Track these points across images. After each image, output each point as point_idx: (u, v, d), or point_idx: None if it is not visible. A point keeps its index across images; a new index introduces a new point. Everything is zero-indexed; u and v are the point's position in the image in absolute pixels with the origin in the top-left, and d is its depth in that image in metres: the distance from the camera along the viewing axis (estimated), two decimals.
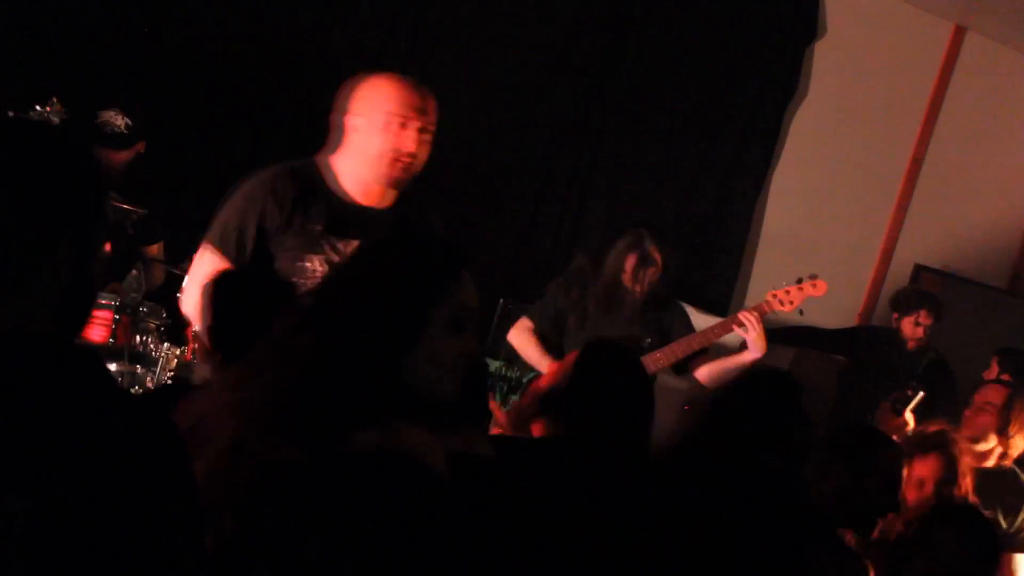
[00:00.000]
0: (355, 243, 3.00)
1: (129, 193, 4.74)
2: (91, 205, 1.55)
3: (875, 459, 3.15)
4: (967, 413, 4.11)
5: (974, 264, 6.59)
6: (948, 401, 4.91)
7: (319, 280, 2.69)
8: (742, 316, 4.33)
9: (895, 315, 5.62)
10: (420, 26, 5.59)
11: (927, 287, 6.47)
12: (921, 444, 3.42)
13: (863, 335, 6.05)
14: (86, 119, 4.49)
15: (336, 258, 3.00)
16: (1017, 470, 4.11)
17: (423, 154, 3.02)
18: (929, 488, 3.33)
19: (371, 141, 2.97)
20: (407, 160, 2.99)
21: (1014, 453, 4.15)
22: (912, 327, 5.55)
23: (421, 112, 2.97)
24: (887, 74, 6.29)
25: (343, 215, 3.02)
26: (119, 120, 4.58)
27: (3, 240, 1.47)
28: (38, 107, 4.10)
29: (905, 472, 3.30)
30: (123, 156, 4.65)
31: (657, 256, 4.39)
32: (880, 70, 6.27)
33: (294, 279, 2.90)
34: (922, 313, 5.57)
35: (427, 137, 3.01)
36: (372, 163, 2.99)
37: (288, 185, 3.00)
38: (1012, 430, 4.10)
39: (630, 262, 4.38)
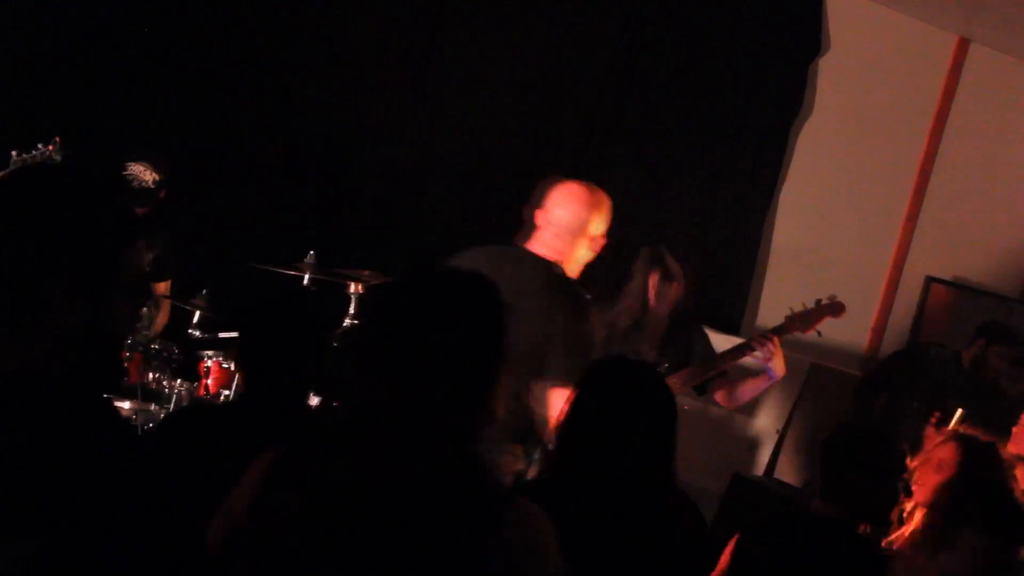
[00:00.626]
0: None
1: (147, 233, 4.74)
2: (106, 253, 1.56)
3: (885, 457, 3.23)
4: (1015, 430, 3.93)
5: (986, 274, 6.60)
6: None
7: None
8: (762, 340, 4.28)
9: (981, 341, 5.52)
10: (436, 31, 5.61)
11: (938, 298, 6.52)
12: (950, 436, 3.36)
13: (915, 354, 5.97)
14: (113, 171, 4.49)
15: None
16: None
17: None
18: (947, 472, 3.26)
19: (583, 256, 3.66)
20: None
21: None
22: (998, 360, 5.46)
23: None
24: (892, 88, 6.31)
25: None
26: (147, 176, 4.57)
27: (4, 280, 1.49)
28: (40, 146, 4.11)
29: (924, 457, 3.32)
30: (147, 209, 4.64)
31: (678, 271, 4.36)
32: (885, 84, 6.29)
33: None
34: (1013, 348, 5.47)
35: None
36: (574, 268, 3.67)
37: None
38: None
39: (653, 280, 4.33)
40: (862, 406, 5.70)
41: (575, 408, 2.63)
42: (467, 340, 1.77)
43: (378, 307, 1.85)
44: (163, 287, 4.94)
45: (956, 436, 3.39)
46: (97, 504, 1.43)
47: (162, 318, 4.96)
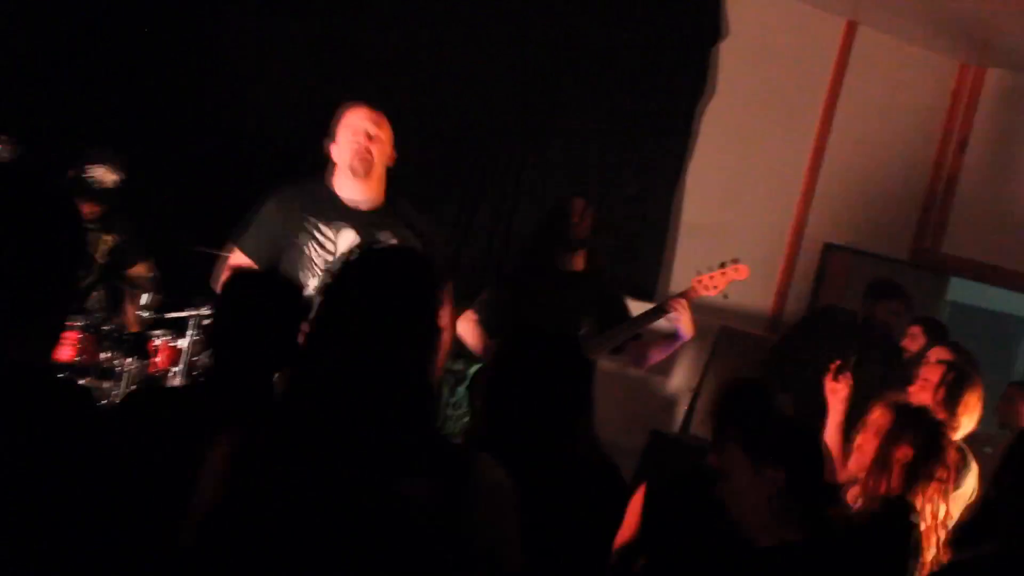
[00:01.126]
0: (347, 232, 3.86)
1: (102, 223, 4.86)
2: (74, 247, 1.63)
3: (761, 408, 3.24)
4: (911, 389, 3.97)
5: (878, 239, 6.77)
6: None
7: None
8: (672, 303, 4.45)
9: (868, 300, 5.66)
10: (373, 25, 5.63)
11: (836, 263, 6.70)
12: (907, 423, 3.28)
13: (824, 317, 6.14)
14: (75, 172, 4.56)
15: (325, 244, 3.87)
16: (966, 449, 3.88)
17: (376, 150, 3.88)
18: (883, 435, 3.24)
19: (343, 151, 3.88)
20: (364, 151, 3.85)
21: (961, 432, 3.93)
22: (886, 314, 5.58)
23: (371, 123, 3.90)
24: (788, 69, 6.45)
25: (340, 211, 3.89)
26: (108, 177, 4.67)
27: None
28: None
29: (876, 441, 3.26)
30: (107, 208, 4.75)
31: (586, 214, 4.48)
32: (781, 66, 6.42)
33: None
34: (896, 302, 5.61)
35: (377, 138, 3.89)
36: (346, 165, 3.86)
37: (297, 193, 3.91)
38: (958, 409, 3.89)
39: (564, 225, 4.49)
40: (774, 373, 5.79)
41: (493, 379, 2.68)
42: (411, 308, 1.87)
43: (331, 287, 1.95)
44: (142, 269, 4.97)
45: (890, 403, 3.36)
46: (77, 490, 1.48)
47: (152, 300, 4.83)
